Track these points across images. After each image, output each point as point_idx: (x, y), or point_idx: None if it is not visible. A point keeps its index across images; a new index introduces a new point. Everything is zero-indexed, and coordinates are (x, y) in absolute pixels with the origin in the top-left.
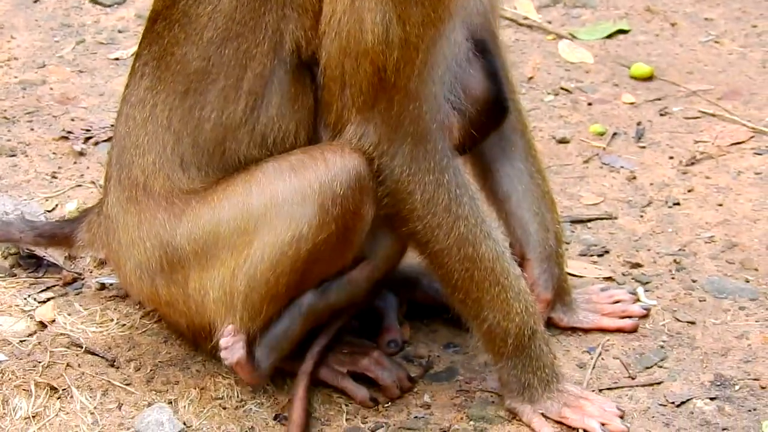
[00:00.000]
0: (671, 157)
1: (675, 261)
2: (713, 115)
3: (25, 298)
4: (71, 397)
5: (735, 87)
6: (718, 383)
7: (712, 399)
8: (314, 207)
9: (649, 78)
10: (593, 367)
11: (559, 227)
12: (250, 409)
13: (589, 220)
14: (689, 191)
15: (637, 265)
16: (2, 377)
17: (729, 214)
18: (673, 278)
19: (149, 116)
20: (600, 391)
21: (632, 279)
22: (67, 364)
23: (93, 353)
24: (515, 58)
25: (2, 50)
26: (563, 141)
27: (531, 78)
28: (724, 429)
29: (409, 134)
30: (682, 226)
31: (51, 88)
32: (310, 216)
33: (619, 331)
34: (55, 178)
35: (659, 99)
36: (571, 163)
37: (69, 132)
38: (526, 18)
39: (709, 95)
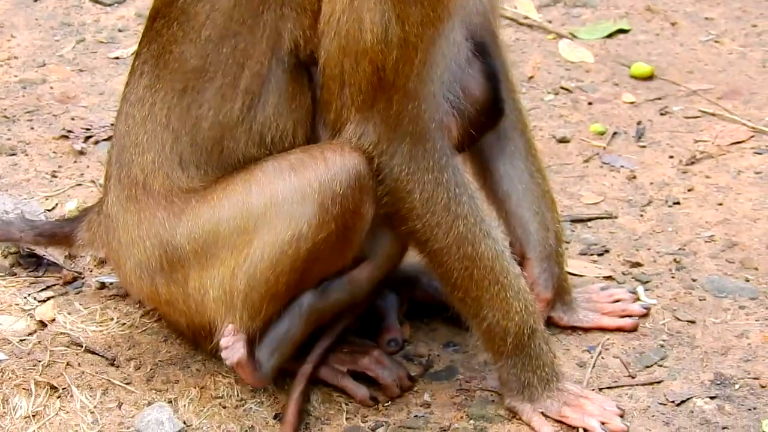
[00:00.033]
0: (671, 157)
1: (675, 260)
2: (713, 115)
3: (25, 297)
4: (71, 396)
5: (735, 86)
6: (718, 382)
7: (712, 398)
8: (314, 206)
9: (649, 77)
10: (593, 366)
11: (559, 226)
12: (250, 408)
13: (589, 219)
14: (689, 190)
15: (637, 265)
16: (2, 376)
17: (729, 213)
18: (673, 277)
19: (148, 115)
20: (600, 390)
21: (632, 278)
22: (67, 363)
23: (93, 352)
24: (515, 58)
25: (2, 49)
26: (563, 140)
27: (531, 77)
28: (724, 428)
29: (408, 133)
30: (682, 225)
31: (51, 87)
32: (309, 215)
33: (619, 330)
34: (55, 177)
35: (659, 98)
36: (571, 162)
37: (69, 131)
38: (526, 17)
39: (710, 95)
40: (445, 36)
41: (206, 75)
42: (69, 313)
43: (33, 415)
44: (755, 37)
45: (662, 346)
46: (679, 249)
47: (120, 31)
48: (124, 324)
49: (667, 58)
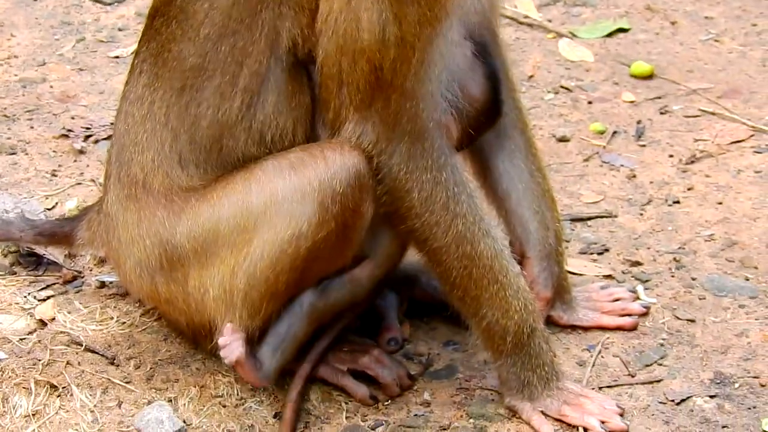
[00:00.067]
0: (671, 156)
1: (675, 259)
2: (713, 114)
3: (25, 296)
4: (71, 395)
5: (735, 85)
6: (718, 381)
7: (711, 397)
8: (314, 205)
9: (649, 76)
10: (593, 365)
11: (559, 225)
12: (250, 407)
13: (589, 219)
14: (689, 189)
15: (637, 263)
16: (2, 375)
17: (729, 212)
18: (672, 276)
19: (147, 113)
20: (600, 388)
21: (632, 277)
22: (67, 362)
23: (93, 351)
24: (515, 57)
25: (2, 48)
26: (563, 139)
27: (531, 76)
28: (723, 427)
29: (406, 132)
30: (682, 224)
31: (51, 86)
32: (309, 214)
33: (618, 329)
34: (55, 176)
35: (659, 97)
36: (571, 161)
37: (69, 130)
38: (526, 16)
39: (709, 94)
40: (442, 35)
41: (205, 73)
42: (69, 312)
43: (33, 414)
44: (755, 36)
45: (662, 345)
46: (679, 248)
47: (120, 30)
48: (124, 323)
49: (667, 57)
